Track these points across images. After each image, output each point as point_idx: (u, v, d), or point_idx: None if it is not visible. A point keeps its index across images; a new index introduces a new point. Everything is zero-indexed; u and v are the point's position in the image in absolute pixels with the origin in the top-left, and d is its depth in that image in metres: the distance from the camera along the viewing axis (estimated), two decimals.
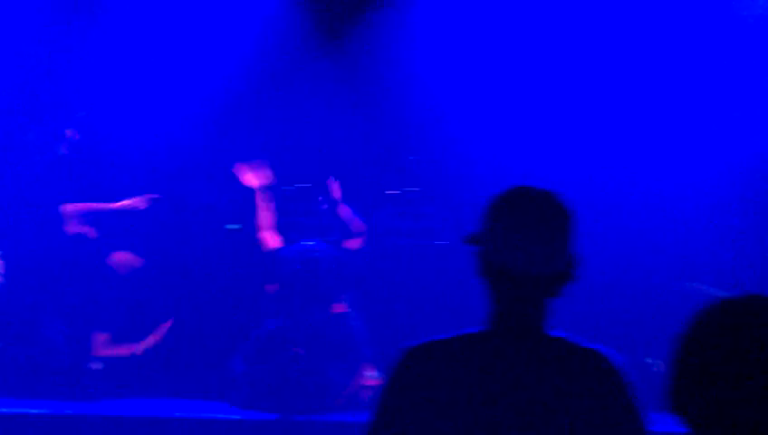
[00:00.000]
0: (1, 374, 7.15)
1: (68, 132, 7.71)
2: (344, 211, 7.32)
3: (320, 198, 7.52)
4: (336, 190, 7.37)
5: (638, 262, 7.66)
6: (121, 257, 7.69)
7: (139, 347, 7.50)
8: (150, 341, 7.54)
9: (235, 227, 8.08)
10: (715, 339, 1.89)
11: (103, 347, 7.41)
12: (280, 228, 7.31)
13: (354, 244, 7.24)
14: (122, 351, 7.47)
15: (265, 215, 7.24)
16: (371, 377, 6.66)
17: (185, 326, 7.72)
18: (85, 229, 7.54)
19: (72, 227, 7.48)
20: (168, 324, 7.55)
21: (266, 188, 7.28)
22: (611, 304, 7.42)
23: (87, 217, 7.51)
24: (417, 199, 8.32)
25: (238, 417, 6.67)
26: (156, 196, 7.59)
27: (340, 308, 7.04)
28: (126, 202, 7.61)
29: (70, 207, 7.47)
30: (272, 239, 7.18)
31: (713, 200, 7.62)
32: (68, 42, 7.98)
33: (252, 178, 7.35)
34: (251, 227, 7.44)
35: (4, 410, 6.70)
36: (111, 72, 8.00)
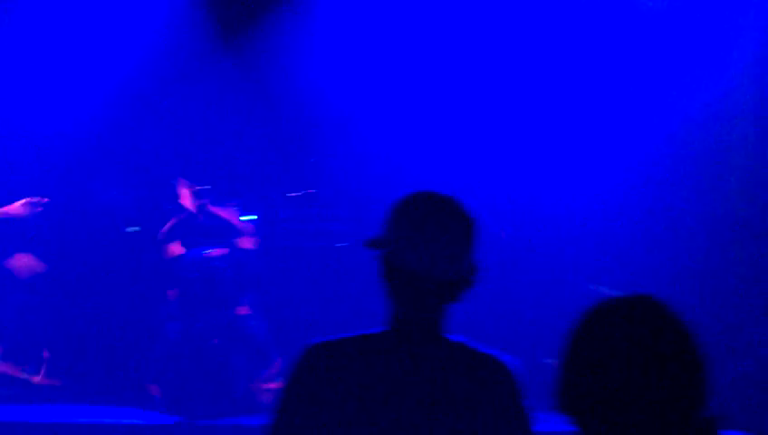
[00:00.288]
0: None
1: None
2: (230, 213, 7.34)
3: (204, 200, 7.48)
4: (188, 193, 7.42)
5: (541, 263, 7.76)
6: (22, 261, 7.56)
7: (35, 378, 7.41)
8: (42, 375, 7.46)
9: (135, 229, 7.98)
10: (596, 339, 1.91)
11: None
12: (184, 231, 7.27)
13: (246, 243, 7.24)
14: (13, 371, 7.37)
15: (174, 225, 7.26)
16: (276, 379, 6.65)
17: (88, 330, 7.63)
18: None
19: None
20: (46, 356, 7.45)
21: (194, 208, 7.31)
22: (513, 305, 7.50)
23: None
24: (318, 201, 8.32)
25: (145, 422, 6.62)
26: (39, 199, 7.44)
27: (242, 311, 7.04)
28: (6, 208, 7.44)
29: None
30: (175, 247, 7.17)
31: (613, 202, 7.71)
32: None
33: (188, 197, 7.35)
34: (151, 230, 7.32)
35: None
36: (6, 69, 7.86)
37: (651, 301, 1.93)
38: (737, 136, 7.63)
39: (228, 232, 7.36)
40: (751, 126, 7.53)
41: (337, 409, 2.57)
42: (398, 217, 2.62)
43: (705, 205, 7.61)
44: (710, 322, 6.77)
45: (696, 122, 7.55)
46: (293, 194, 8.23)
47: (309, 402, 2.60)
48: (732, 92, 7.53)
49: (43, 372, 7.38)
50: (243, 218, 7.41)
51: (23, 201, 7.33)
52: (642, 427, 1.85)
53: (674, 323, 1.91)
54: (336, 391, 2.58)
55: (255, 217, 7.53)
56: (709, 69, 7.47)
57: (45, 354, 7.40)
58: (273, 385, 6.56)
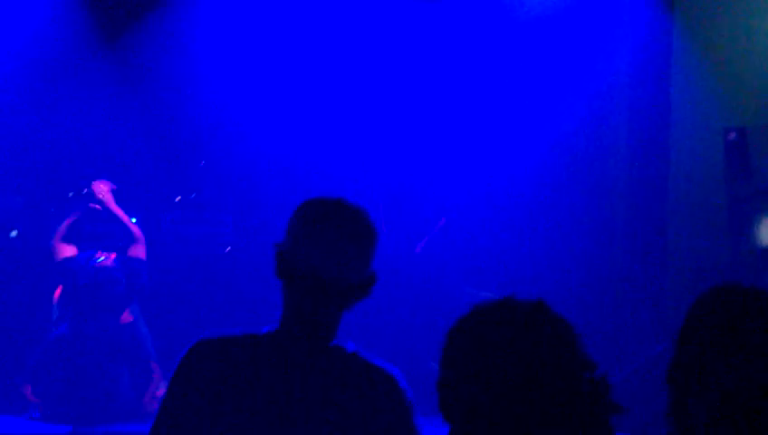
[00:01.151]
0: None
1: None
2: (122, 217, 7.27)
3: (93, 204, 7.38)
4: (107, 194, 7.27)
5: (428, 267, 7.77)
6: None
7: None
8: None
9: (14, 233, 7.84)
10: (473, 342, 1.89)
11: None
12: (68, 236, 7.16)
13: (138, 252, 7.17)
14: None
15: (66, 225, 7.15)
16: (161, 386, 6.60)
17: None
18: None
19: None
20: None
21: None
22: (401, 309, 7.52)
23: None
24: (205, 205, 8.27)
25: (29, 431, 6.52)
26: None
27: (127, 317, 6.97)
28: None
29: None
30: (66, 248, 7.07)
31: (497, 207, 7.79)
32: None
33: (105, 192, 7.28)
34: (34, 234, 7.19)
35: None
36: None
37: (531, 304, 1.91)
38: (614, 143, 7.83)
39: (121, 237, 7.28)
40: (625, 131, 7.73)
41: (216, 405, 2.56)
42: (298, 220, 2.63)
43: (586, 210, 7.78)
44: (593, 326, 6.92)
45: (576, 127, 7.70)
46: (179, 198, 8.17)
47: (191, 397, 2.59)
48: (609, 99, 7.72)
49: None
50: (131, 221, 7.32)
51: None
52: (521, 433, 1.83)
53: (555, 327, 1.89)
54: (217, 387, 2.58)
55: (134, 219, 7.44)
56: (587, 75, 7.63)
57: None
58: (155, 393, 6.52)
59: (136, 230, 7.21)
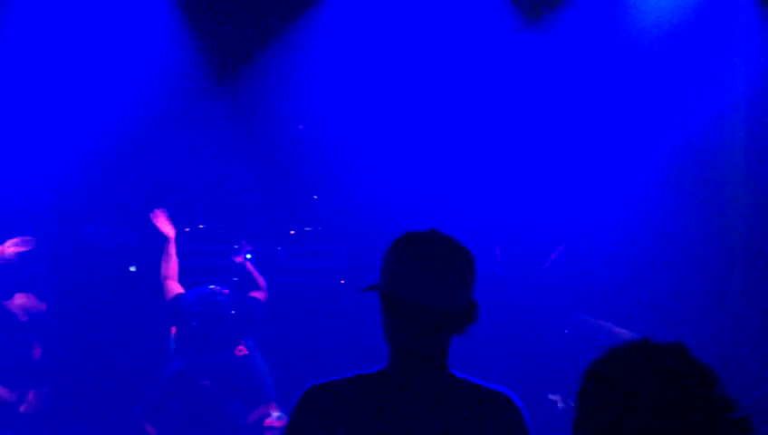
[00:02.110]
0: None
1: None
2: (250, 265, 7.37)
3: (237, 245, 7.48)
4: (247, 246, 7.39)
5: (538, 298, 7.65)
6: (21, 301, 7.59)
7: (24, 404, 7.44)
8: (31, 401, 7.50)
9: (133, 268, 7.99)
10: (605, 387, 1.89)
11: None
12: (182, 270, 7.25)
13: (260, 295, 7.26)
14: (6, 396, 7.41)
15: (171, 262, 7.22)
16: (276, 418, 6.64)
17: (88, 372, 7.65)
18: None
19: None
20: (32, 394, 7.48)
21: (174, 237, 7.30)
22: (513, 340, 7.40)
23: None
24: (319, 239, 8.32)
25: None
26: (28, 239, 7.46)
27: (242, 350, 7.04)
28: None
29: None
30: (175, 286, 7.16)
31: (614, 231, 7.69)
32: None
33: (167, 225, 7.35)
34: (151, 270, 7.32)
35: None
36: None
37: (669, 347, 1.91)
38: (731, 162, 7.68)
39: (240, 275, 7.36)
40: (743, 149, 7.59)
41: None
42: (398, 252, 2.66)
43: (706, 235, 7.64)
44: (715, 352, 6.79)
45: (689, 148, 7.59)
46: (293, 232, 8.24)
47: None
48: (725, 118, 7.59)
49: (31, 401, 7.42)
50: (247, 258, 7.40)
51: (11, 241, 7.37)
52: None
53: (695, 371, 1.89)
54: (338, 433, 2.59)
55: (249, 256, 7.54)
56: (707, 94, 7.51)
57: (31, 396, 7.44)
58: (274, 423, 6.56)
59: (261, 281, 7.30)
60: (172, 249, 7.16)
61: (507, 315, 7.33)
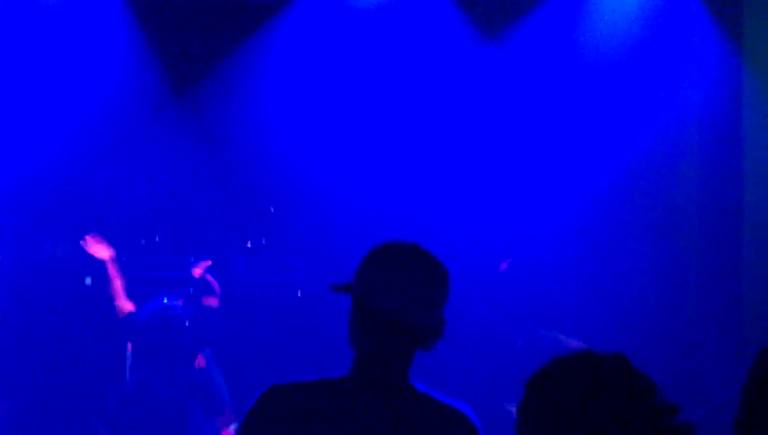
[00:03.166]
0: None
1: None
2: (203, 270, 7.34)
3: (191, 258, 7.46)
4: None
5: (502, 309, 7.66)
6: None
7: None
8: None
9: (88, 281, 7.96)
10: (547, 395, 1.92)
11: None
12: (137, 282, 7.21)
13: (212, 302, 7.23)
14: None
15: (116, 283, 7.17)
16: (235, 429, 6.63)
17: (44, 387, 7.60)
18: None
19: None
20: None
21: (113, 258, 7.24)
22: (475, 352, 7.41)
23: None
24: (275, 250, 8.30)
25: None
26: None
27: (200, 363, 7.00)
28: None
29: None
30: (125, 304, 7.12)
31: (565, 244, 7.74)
32: None
33: (100, 249, 7.27)
34: (106, 282, 7.33)
35: None
36: None
37: (611, 357, 1.94)
38: (685, 182, 7.77)
39: (196, 287, 7.34)
40: (697, 167, 7.67)
41: None
42: (370, 264, 2.69)
43: (657, 246, 7.71)
44: (671, 366, 6.85)
45: (644, 157, 7.67)
46: (249, 244, 8.24)
47: None
48: (680, 135, 7.67)
49: None
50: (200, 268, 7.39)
51: None
52: None
53: (635, 381, 1.92)
54: (292, 433, 2.61)
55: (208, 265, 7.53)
56: (658, 111, 7.59)
57: None
58: None
59: (212, 282, 7.28)
60: (112, 270, 7.10)
61: (469, 324, 7.35)
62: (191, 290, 7.30)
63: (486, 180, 7.84)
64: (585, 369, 1.91)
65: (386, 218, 7.62)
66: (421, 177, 7.87)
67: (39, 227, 8.09)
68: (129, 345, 7.14)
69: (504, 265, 7.55)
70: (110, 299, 7.16)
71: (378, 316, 2.63)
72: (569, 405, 1.87)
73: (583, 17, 7.77)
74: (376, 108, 7.83)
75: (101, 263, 7.21)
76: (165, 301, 7.00)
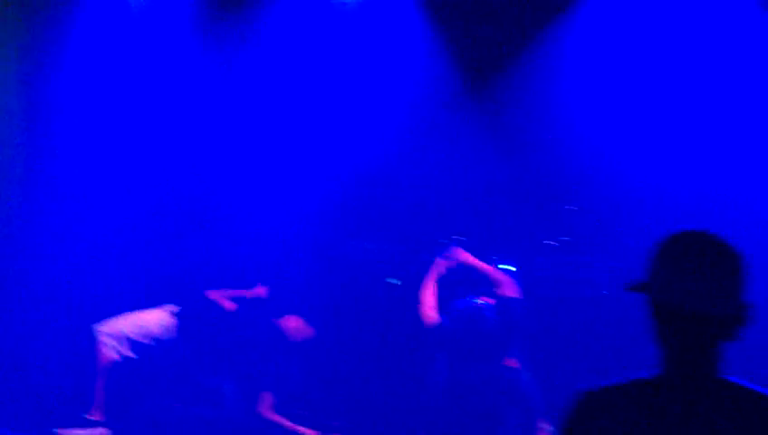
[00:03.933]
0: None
1: None
2: (489, 264, 7.43)
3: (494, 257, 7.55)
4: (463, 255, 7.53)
5: None
6: (293, 324, 8.04)
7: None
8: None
9: (396, 281, 8.19)
10: None
11: (268, 409, 7.80)
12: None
13: (509, 291, 7.29)
14: (285, 423, 7.83)
15: (429, 292, 7.33)
16: (547, 431, 6.63)
17: (357, 384, 7.96)
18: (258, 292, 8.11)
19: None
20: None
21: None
22: None
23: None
24: (575, 249, 8.33)
25: None
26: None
27: (511, 363, 7.04)
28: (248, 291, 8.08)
29: (213, 294, 8.03)
30: (431, 313, 7.22)
31: None
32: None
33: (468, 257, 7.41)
34: (412, 283, 7.55)
35: None
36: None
37: None
38: None
39: (489, 283, 7.40)
40: None
41: None
42: (664, 256, 2.66)
43: None
44: None
45: None
46: (549, 242, 8.27)
47: None
48: None
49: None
50: (501, 268, 7.48)
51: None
52: None
53: None
54: None
55: (513, 268, 7.61)
56: None
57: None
58: None
59: (501, 273, 7.32)
60: (432, 276, 7.31)
61: None
62: (493, 288, 7.40)
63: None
64: None
65: (683, 213, 7.49)
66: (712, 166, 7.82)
67: (345, 228, 8.44)
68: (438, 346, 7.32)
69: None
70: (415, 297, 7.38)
71: (678, 311, 2.61)
72: None
73: None
74: (668, 96, 7.80)
75: (407, 261, 7.44)
76: (476, 301, 7.08)
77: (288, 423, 7.97)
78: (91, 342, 7.78)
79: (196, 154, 8.52)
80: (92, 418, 7.75)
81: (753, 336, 2.78)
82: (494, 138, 8.19)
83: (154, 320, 7.94)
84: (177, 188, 8.42)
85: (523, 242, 8.16)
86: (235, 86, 8.47)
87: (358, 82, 8.34)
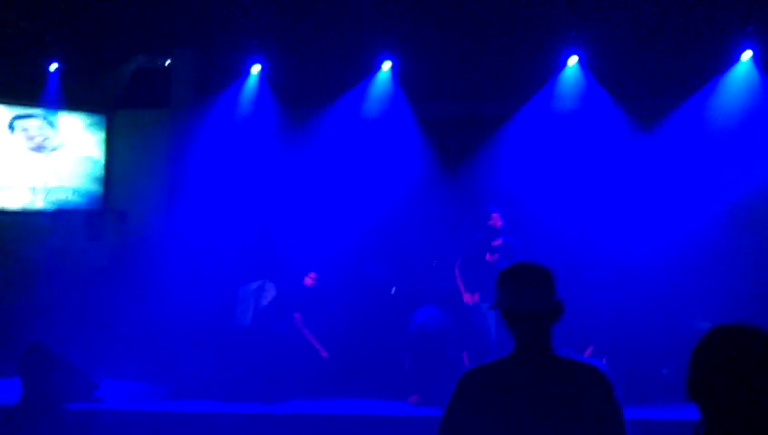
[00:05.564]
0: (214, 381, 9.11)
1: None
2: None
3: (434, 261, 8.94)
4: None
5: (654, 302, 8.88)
6: (311, 278, 9.46)
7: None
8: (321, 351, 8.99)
9: (393, 290, 9.73)
10: (719, 352, 2.34)
11: (299, 323, 9.08)
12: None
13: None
14: (307, 334, 9.00)
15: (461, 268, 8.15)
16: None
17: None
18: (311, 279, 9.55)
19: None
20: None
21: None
22: (643, 335, 8.64)
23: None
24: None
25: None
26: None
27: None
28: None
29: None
30: (466, 295, 8.32)
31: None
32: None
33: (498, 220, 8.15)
34: (405, 292, 9.33)
35: (208, 410, 8.33)
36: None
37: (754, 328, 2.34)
38: None
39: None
40: None
41: (489, 418, 3.15)
42: (503, 281, 3.27)
43: None
44: None
45: None
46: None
47: (469, 416, 3.19)
48: None
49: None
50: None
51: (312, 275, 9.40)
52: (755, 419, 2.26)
53: None
54: (487, 403, 3.16)
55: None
56: None
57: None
58: None
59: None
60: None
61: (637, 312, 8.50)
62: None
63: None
64: (745, 332, 2.30)
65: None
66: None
67: (365, 254, 10.18)
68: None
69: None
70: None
71: (515, 312, 3.17)
72: (739, 365, 2.24)
73: None
74: None
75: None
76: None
77: (309, 336, 9.20)
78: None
79: (278, 203, 10.29)
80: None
81: (567, 321, 3.29)
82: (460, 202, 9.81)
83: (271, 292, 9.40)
84: (265, 222, 10.26)
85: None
86: (300, 164, 10.43)
87: (376, 167, 10.05)
